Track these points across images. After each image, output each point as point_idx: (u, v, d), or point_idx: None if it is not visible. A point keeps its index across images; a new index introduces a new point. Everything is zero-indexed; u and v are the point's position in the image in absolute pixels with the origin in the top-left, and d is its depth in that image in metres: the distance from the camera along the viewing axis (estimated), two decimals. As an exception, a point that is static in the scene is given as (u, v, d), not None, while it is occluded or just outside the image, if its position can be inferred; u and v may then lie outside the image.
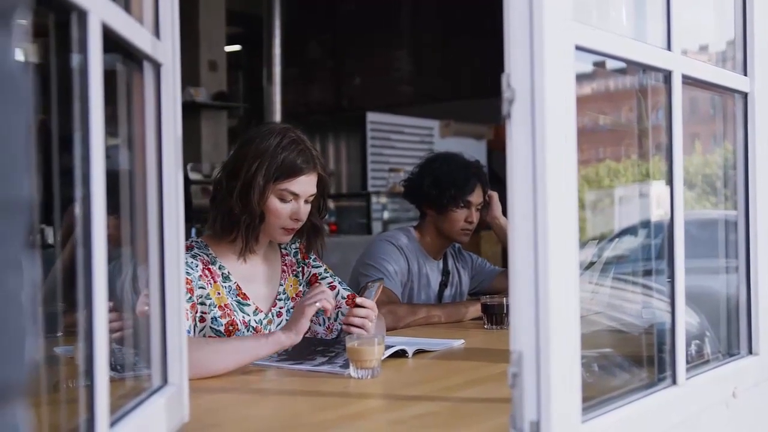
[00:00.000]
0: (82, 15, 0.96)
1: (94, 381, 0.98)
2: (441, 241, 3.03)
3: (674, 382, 1.48)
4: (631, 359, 1.67)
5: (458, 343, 2.30)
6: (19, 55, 0.57)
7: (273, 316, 2.26)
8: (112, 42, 1.08)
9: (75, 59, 0.98)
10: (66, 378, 1.36)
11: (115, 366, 1.31)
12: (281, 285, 2.31)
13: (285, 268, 2.35)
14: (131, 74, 1.30)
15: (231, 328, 2.13)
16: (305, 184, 2.17)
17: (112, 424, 1.05)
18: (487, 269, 3.21)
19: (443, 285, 3.08)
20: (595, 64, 1.42)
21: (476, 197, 2.96)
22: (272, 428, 1.51)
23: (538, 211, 1.14)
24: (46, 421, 1.14)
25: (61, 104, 1.01)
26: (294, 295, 2.33)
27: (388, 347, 1.99)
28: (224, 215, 2.16)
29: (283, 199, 2.15)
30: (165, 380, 1.33)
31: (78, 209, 0.98)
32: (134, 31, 1.17)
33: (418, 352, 2.13)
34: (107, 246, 1.01)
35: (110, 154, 1.06)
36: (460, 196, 2.92)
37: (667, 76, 1.48)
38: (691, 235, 1.56)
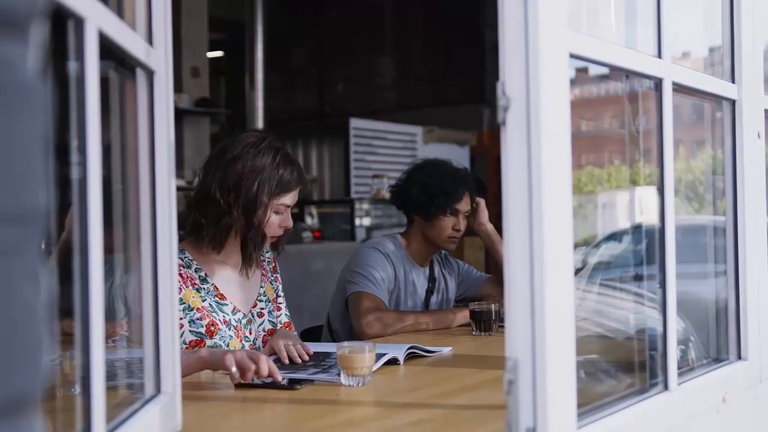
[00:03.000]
0: (79, 22, 0.96)
1: (90, 390, 0.97)
2: (427, 248, 3.03)
3: (666, 387, 1.48)
4: (622, 365, 1.68)
5: (447, 350, 2.30)
6: (35, 65, 0.57)
7: (254, 317, 2.32)
8: (106, 49, 1.08)
9: (71, 66, 0.97)
10: (57, 386, 1.35)
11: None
12: (261, 287, 2.37)
13: (264, 272, 2.41)
14: (123, 81, 1.29)
15: (212, 328, 2.18)
16: (296, 195, 2.29)
17: (108, 433, 1.04)
18: (473, 276, 3.21)
19: (430, 292, 3.08)
20: (578, 69, 1.43)
21: (464, 205, 2.96)
22: (265, 436, 1.50)
23: (534, 217, 1.14)
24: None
25: (55, 111, 1.00)
26: (272, 300, 2.40)
27: (379, 356, 1.98)
28: (223, 230, 2.20)
29: (278, 212, 2.25)
30: (158, 389, 1.32)
31: (74, 217, 0.97)
32: (129, 39, 1.17)
33: (410, 356, 2.13)
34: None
35: (102, 161, 1.05)
36: (449, 204, 2.92)
37: (658, 83, 1.49)
38: (676, 240, 1.57)
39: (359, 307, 2.75)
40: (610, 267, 2.39)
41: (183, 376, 1.91)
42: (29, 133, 0.55)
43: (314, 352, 2.18)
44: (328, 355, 2.15)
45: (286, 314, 2.45)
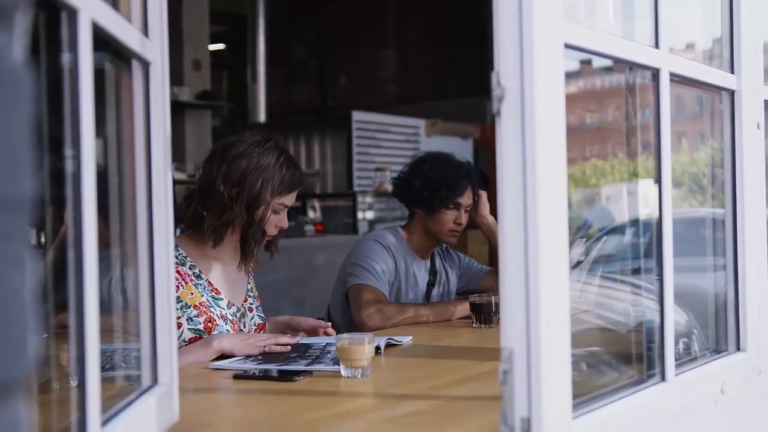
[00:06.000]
0: (73, 13, 0.96)
1: (85, 381, 0.97)
2: (429, 241, 3.03)
3: (663, 378, 1.48)
4: (620, 357, 1.68)
5: (408, 339, 2.33)
6: (20, 54, 0.57)
7: (245, 310, 2.36)
8: (101, 40, 1.08)
9: (65, 58, 0.97)
10: (54, 379, 1.35)
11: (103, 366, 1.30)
12: (249, 283, 2.42)
13: (250, 269, 2.45)
14: (119, 73, 1.29)
15: (210, 324, 2.21)
16: (294, 197, 2.33)
17: (104, 423, 1.05)
18: (474, 268, 3.21)
19: (431, 284, 3.08)
20: (581, 62, 1.42)
21: (466, 199, 2.96)
22: (262, 428, 1.50)
23: (528, 208, 1.14)
24: (35, 421, 1.13)
25: (49, 103, 1.00)
26: (256, 295, 2.45)
27: None
28: (225, 225, 2.23)
29: (276, 212, 2.27)
30: (155, 380, 1.33)
31: (68, 210, 0.97)
32: (123, 30, 1.17)
33: (389, 346, 2.18)
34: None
35: (97, 153, 1.05)
36: (451, 198, 2.92)
37: (655, 73, 1.49)
38: (677, 233, 1.56)
39: (360, 300, 2.76)
40: (613, 259, 2.38)
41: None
42: (15, 122, 0.55)
43: (298, 344, 2.18)
44: (309, 346, 2.15)
45: (260, 315, 2.45)
